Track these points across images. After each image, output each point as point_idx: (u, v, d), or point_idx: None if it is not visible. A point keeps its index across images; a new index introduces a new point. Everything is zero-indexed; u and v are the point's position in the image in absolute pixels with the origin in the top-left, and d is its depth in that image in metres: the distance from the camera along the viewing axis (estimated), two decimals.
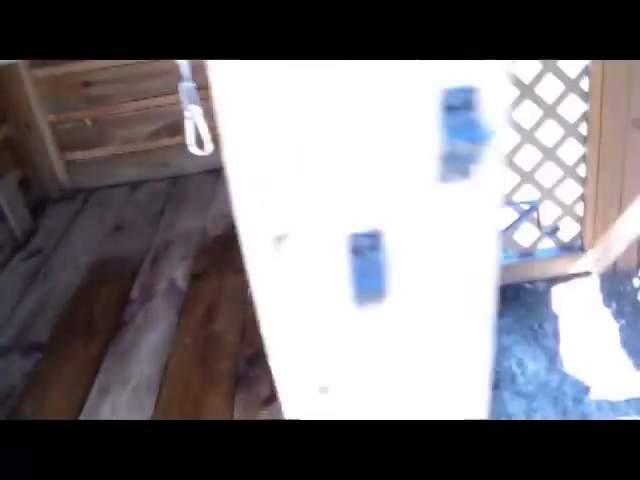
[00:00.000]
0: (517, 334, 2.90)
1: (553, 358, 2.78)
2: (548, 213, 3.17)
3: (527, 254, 3.12)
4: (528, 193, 2.99)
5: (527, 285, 3.14)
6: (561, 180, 2.97)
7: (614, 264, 3.12)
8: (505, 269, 3.11)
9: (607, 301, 3.01)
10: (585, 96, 2.78)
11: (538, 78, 2.73)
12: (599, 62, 2.66)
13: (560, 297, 3.09)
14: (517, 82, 2.71)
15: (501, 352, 2.82)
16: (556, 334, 2.90)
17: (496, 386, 2.68)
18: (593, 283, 3.11)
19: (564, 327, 2.92)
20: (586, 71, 2.73)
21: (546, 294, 3.11)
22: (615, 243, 3.05)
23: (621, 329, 2.85)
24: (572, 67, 2.74)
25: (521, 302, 3.07)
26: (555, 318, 2.97)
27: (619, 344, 2.78)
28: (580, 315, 2.96)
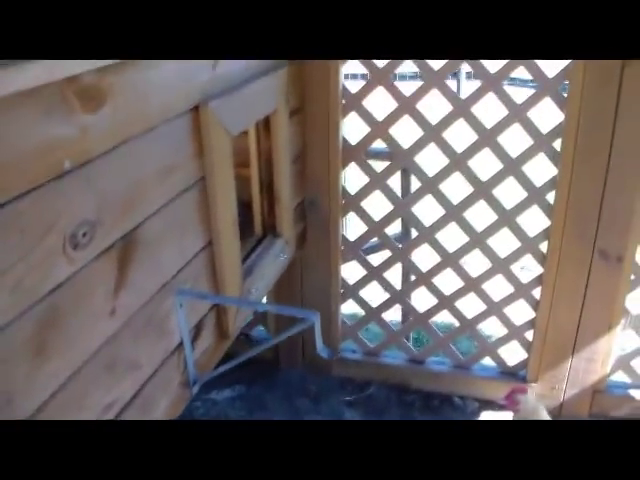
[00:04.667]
0: None
1: None
2: (492, 331, 2.79)
3: (462, 367, 2.76)
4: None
5: (456, 400, 2.78)
6: (511, 298, 2.58)
7: (560, 406, 2.66)
8: (436, 376, 2.79)
9: None
10: (549, 210, 2.38)
11: (499, 180, 2.39)
12: (568, 177, 2.27)
13: None
14: (475, 182, 2.39)
15: None
16: None
17: None
18: None
19: None
20: (553, 184, 2.34)
21: (472, 416, 2.73)
22: (565, 383, 2.61)
23: None
24: (539, 177, 2.35)
25: (439, 415, 2.73)
26: None
27: None
28: None
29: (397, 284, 2.77)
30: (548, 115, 2.55)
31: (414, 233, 2.68)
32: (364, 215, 2.58)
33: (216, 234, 1.68)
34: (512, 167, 2.35)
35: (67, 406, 1.19)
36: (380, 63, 2.34)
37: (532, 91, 2.27)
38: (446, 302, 2.64)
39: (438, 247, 2.55)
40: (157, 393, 1.50)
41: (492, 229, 2.47)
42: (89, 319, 1.23)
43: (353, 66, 2.55)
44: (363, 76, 2.35)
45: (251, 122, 1.85)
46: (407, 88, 2.43)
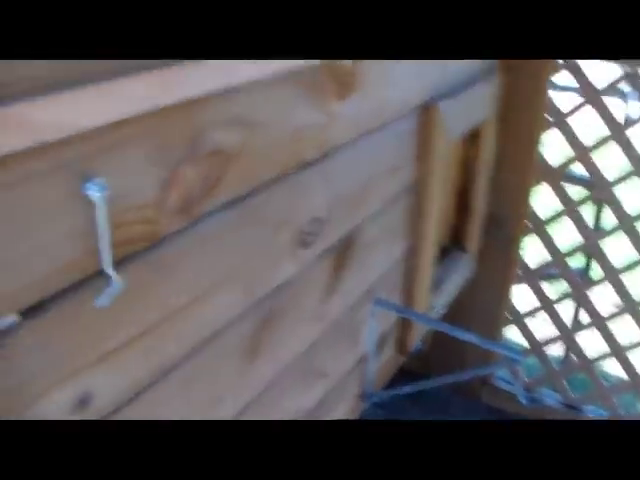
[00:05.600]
0: None
1: None
2: None
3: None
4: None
5: None
6: None
7: None
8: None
9: None
10: None
11: None
12: None
13: None
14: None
15: None
16: None
17: None
18: None
19: None
20: None
21: None
22: None
23: None
24: None
25: None
26: None
27: None
28: None
29: (566, 320, 2.55)
30: None
31: (595, 270, 2.46)
32: (548, 241, 2.38)
33: (420, 244, 1.56)
34: None
35: (261, 411, 1.10)
36: (592, 77, 2.12)
37: None
38: (618, 351, 2.41)
39: (622, 291, 2.33)
40: (334, 404, 1.40)
41: None
42: (299, 323, 1.14)
43: (564, 77, 2.35)
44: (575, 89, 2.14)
45: (466, 128, 1.71)
46: (620, 107, 2.20)
